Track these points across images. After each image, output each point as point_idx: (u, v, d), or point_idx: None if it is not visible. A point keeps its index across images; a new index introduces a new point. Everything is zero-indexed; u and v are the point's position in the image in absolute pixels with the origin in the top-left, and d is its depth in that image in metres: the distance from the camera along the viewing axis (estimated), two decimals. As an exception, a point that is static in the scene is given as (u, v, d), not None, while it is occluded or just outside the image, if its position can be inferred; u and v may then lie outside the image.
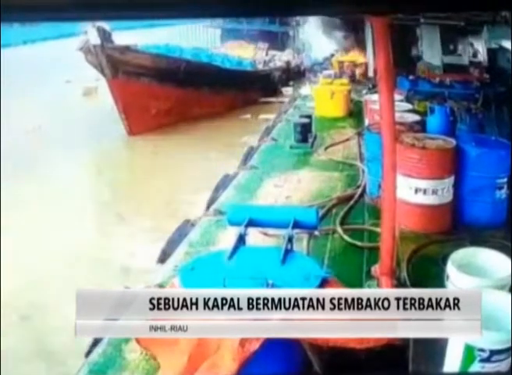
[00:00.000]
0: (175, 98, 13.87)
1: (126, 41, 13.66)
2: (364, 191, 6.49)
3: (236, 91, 15.87)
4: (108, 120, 14.22)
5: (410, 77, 10.96)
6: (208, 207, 6.75)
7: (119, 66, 13.09)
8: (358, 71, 15.69)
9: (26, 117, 14.66)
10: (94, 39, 12.37)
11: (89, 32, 12.36)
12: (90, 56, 12.93)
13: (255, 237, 4.47)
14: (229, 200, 6.56)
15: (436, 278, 3.35)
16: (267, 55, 20.13)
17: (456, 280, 3.07)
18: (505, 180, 5.22)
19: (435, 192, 5.23)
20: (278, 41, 21.67)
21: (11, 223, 7.58)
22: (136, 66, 13.37)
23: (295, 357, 3.09)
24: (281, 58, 20.20)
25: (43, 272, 6.55)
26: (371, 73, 14.45)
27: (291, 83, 18.93)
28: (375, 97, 7.64)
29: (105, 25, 12.48)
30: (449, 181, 5.27)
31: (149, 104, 13.49)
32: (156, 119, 13.55)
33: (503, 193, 5.27)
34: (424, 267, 4.44)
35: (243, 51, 19.52)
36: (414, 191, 5.27)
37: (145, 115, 13.39)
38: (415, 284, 4.20)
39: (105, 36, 12.59)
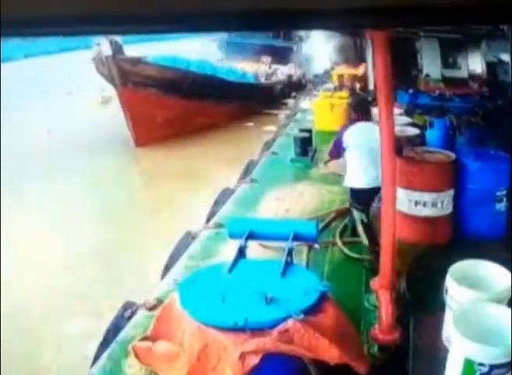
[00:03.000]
0: (180, 108, 14.15)
1: (135, 53, 14.12)
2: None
3: (240, 103, 16.16)
4: (118, 128, 14.48)
5: (410, 91, 11.00)
6: (208, 220, 6.75)
7: (128, 77, 13.53)
8: (358, 84, 15.72)
9: (32, 127, 14.86)
10: (106, 50, 12.84)
11: (102, 44, 12.85)
12: (101, 66, 13.41)
13: (255, 250, 4.47)
14: (230, 213, 6.56)
15: (435, 291, 3.34)
16: (270, 68, 20.32)
17: (455, 293, 3.07)
18: (504, 192, 5.23)
19: (434, 205, 5.24)
20: (281, 56, 21.83)
21: (12, 229, 7.65)
22: (144, 77, 13.78)
23: (295, 371, 3.08)
24: (283, 71, 20.35)
25: (43, 280, 6.55)
26: (371, 87, 14.48)
27: (293, 94, 19.07)
28: (374, 110, 7.65)
29: (117, 38, 12.91)
30: (449, 194, 5.28)
31: (156, 113, 13.81)
32: (162, 128, 13.85)
33: (502, 206, 5.27)
34: (423, 280, 4.43)
35: (246, 65, 19.72)
36: (413, 203, 5.28)
37: (152, 124, 13.70)
38: (414, 298, 4.20)
39: (117, 48, 13.05)
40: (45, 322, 5.71)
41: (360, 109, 5.45)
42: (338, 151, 5.39)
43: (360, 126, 5.25)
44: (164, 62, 14.35)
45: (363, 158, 5.16)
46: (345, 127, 5.44)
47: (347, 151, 5.24)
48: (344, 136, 5.24)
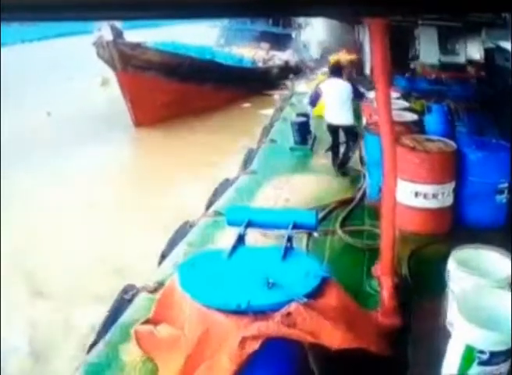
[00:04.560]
0: (179, 91, 14.49)
1: (135, 39, 14.38)
2: (364, 194, 6.44)
3: (237, 86, 16.50)
4: (117, 110, 14.68)
5: (407, 75, 10.95)
6: (207, 208, 6.71)
7: (128, 61, 13.86)
8: (355, 69, 15.71)
9: (33, 112, 14.84)
10: (107, 35, 13.22)
11: (103, 29, 13.24)
12: (102, 51, 13.74)
13: (255, 238, 4.44)
14: (229, 202, 6.51)
15: (437, 277, 3.35)
16: (267, 54, 20.38)
17: (457, 277, 3.06)
18: (506, 185, 5.12)
19: (435, 196, 5.15)
20: (280, 43, 21.86)
21: (12, 213, 7.63)
22: (144, 61, 14.11)
23: (295, 358, 3.07)
24: (281, 57, 20.39)
25: (42, 266, 6.54)
26: (368, 71, 14.46)
27: (290, 76, 19.14)
28: (371, 94, 7.58)
29: (117, 23, 13.28)
30: (450, 185, 5.18)
31: (154, 96, 14.07)
32: (161, 110, 14.12)
33: (503, 197, 5.19)
34: (424, 266, 4.42)
35: (244, 51, 19.78)
36: (414, 194, 5.19)
37: (150, 106, 13.98)
38: (416, 284, 4.20)
39: (117, 33, 13.41)
40: (47, 309, 5.71)
41: (334, 71, 7.71)
42: (316, 98, 7.63)
43: (333, 80, 7.48)
44: (163, 47, 14.71)
45: (333, 102, 7.39)
46: (322, 81, 7.89)
47: (324, 96, 7.45)
48: (321, 85, 7.58)
